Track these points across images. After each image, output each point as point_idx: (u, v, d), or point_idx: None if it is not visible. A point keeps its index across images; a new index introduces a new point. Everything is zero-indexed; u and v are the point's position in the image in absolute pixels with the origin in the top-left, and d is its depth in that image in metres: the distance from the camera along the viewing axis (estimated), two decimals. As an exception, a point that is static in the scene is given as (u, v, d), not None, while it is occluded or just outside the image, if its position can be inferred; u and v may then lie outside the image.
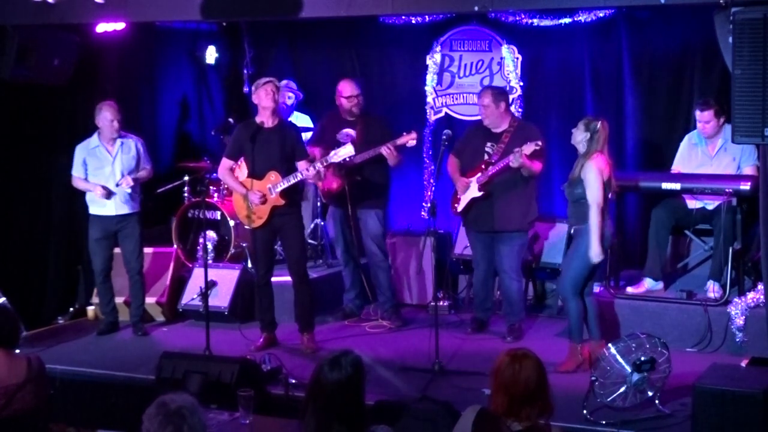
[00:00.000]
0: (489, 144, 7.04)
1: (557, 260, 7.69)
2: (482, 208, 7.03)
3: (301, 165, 6.75)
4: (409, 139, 7.24)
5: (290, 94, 8.55)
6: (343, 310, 7.82)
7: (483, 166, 6.96)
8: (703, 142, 7.05)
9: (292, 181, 6.71)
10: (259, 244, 6.91)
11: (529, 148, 6.71)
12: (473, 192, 7.00)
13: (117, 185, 7.25)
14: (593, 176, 6.05)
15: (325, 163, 6.80)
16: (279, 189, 6.69)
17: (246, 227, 7.15)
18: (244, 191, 6.77)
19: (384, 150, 7.19)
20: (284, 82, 8.60)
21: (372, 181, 7.46)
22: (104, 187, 7.22)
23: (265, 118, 6.75)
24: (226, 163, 6.92)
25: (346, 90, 7.49)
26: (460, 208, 7.11)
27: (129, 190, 7.27)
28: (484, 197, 6.98)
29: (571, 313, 6.28)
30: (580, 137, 6.18)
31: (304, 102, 8.84)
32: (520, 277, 7.21)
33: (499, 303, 7.71)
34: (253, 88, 6.86)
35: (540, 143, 6.74)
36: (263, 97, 6.71)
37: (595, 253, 6.08)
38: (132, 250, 7.44)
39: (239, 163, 7.02)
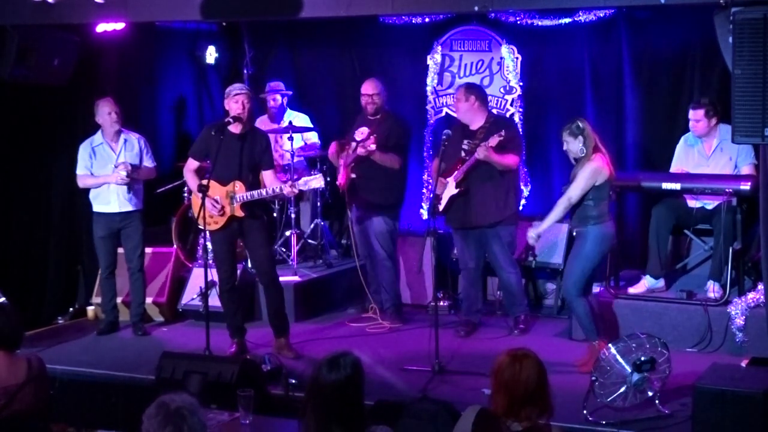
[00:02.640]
0: (466, 141, 7.11)
1: (556, 260, 7.70)
2: (460, 204, 7.10)
3: (268, 175, 6.64)
4: (369, 144, 7.31)
5: (277, 96, 8.56)
6: (363, 303, 7.90)
7: (459, 164, 7.02)
8: (698, 142, 7.05)
9: (257, 197, 6.56)
10: (219, 248, 6.74)
11: (493, 141, 6.79)
12: (451, 190, 7.08)
13: (115, 166, 7.25)
14: (583, 174, 6.09)
15: (296, 189, 6.67)
16: (241, 201, 6.52)
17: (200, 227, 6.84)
18: (201, 196, 6.45)
19: (360, 150, 7.34)
20: (270, 84, 8.62)
21: (375, 182, 7.48)
22: (126, 167, 7.20)
23: (234, 124, 6.56)
24: (191, 163, 6.76)
25: (366, 87, 7.57)
26: (441, 207, 7.15)
27: (124, 173, 7.21)
28: (461, 194, 7.03)
29: (578, 314, 6.30)
30: (575, 146, 6.20)
31: (303, 102, 8.83)
32: (516, 269, 7.25)
33: (498, 303, 7.73)
34: (225, 93, 6.65)
35: (502, 134, 6.78)
36: (233, 106, 6.53)
37: (535, 232, 6.32)
38: (134, 247, 7.45)
39: None
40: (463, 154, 7.07)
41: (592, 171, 6.10)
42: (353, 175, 7.49)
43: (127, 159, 7.34)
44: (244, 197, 6.53)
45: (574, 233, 6.39)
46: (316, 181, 6.70)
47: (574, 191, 6.13)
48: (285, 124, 8.38)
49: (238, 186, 6.55)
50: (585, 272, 6.24)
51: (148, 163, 7.50)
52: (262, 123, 8.53)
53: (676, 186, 6.80)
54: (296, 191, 6.75)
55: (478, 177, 7.01)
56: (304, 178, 6.75)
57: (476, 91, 7.22)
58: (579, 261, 6.24)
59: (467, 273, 7.32)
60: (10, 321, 4.63)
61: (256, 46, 9.20)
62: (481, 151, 6.81)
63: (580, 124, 6.17)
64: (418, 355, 6.51)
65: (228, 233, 6.68)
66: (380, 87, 7.55)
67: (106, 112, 7.27)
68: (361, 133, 7.55)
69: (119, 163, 7.26)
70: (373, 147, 7.27)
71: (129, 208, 7.37)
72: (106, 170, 7.31)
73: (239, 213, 6.57)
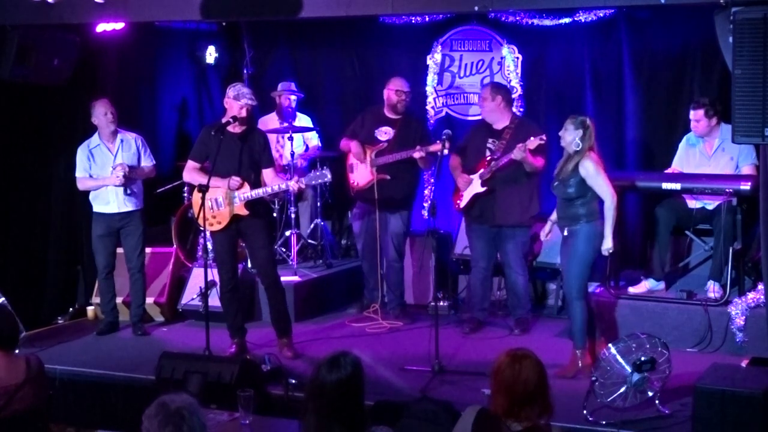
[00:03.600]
0: (491, 141, 7.13)
1: (557, 260, 7.68)
2: (485, 203, 7.11)
3: (268, 174, 6.63)
4: (439, 149, 7.18)
5: (293, 97, 8.58)
6: (361, 302, 7.91)
7: (486, 162, 7.03)
8: (699, 142, 7.05)
9: (262, 194, 6.57)
10: (221, 248, 6.73)
11: (533, 143, 6.81)
12: (476, 188, 7.07)
13: (113, 168, 7.25)
14: (595, 171, 6.05)
15: (302, 185, 6.66)
16: (246, 199, 6.49)
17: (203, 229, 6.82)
18: (201, 196, 6.35)
19: (416, 154, 7.27)
20: (284, 84, 8.62)
21: (401, 182, 7.51)
22: (123, 168, 7.20)
23: (233, 125, 6.53)
24: (191, 164, 6.73)
25: (397, 84, 7.56)
26: (463, 204, 7.16)
27: (121, 174, 7.20)
28: (487, 193, 7.03)
29: (575, 316, 6.21)
30: (571, 137, 6.17)
31: (303, 102, 8.83)
32: (525, 272, 7.28)
33: (499, 303, 7.73)
34: (230, 93, 6.55)
35: (544, 138, 6.83)
36: (238, 110, 6.48)
37: (608, 246, 6.11)
38: (133, 247, 7.45)
39: None
40: (488, 153, 7.08)
41: (595, 166, 6.08)
42: (387, 177, 7.45)
43: (124, 159, 7.33)
44: (250, 195, 6.52)
45: (566, 232, 6.34)
46: (324, 176, 6.69)
47: (604, 188, 6.06)
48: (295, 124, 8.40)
49: (242, 185, 6.55)
50: (583, 272, 6.20)
51: (147, 162, 7.50)
52: (270, 121, 8.54)
53: (676, 186, 6.80)
54: (303, 186, 6.75)
55: (505, 177, 7.02)
56: (311, 173, 6.73)
57: (502, 91, 7.25)
58: (575, 262, 6.18)
59: (477, 271, 7.33)
60: (6, 320, 4.62)
61: (256, 46, 9.20)
62: (519, 152, 6.80)
63: (587, 122, 6.16)
64: (418, 355, 6.51)
65: (230, 234, 6.67)
66: (410, 86, 7.60)
67: (102, 113, 7.27)
68: (385, 132, 7.54)
69: (116, 165, 7.26)
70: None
71: (129, 207, 7.37)
72: (105, 171, 7.31)
73: (243, 212, 6.56)
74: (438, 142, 7.26)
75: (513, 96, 8.24)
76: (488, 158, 7.08)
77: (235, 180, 6.49)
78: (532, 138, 6.83)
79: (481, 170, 7.07)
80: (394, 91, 7.53)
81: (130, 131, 7.48)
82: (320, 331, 7.49)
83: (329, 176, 6.64)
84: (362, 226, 7.77)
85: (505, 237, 7.16)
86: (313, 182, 6.81)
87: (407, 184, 7.59)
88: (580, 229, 6.14)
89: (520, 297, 7.28)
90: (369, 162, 7.49)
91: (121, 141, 7.37)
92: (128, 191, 7.29)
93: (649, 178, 7.12)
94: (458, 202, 7.20)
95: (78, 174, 7.39)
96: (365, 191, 7.57)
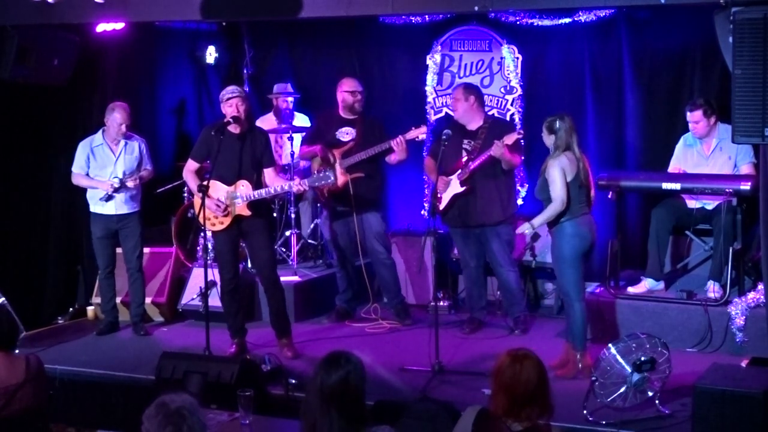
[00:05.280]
0: (466, 141, 7.14)
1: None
2: (465, 203, 7.11)
3: (269, 173, 6.63)
4: (419, 133, 7.31)
5: (290, 99, 8.57)
6: (337, 311, 7.81)
7: (463, 162, 7.01)
8: (697, 142, 7.05)
9: (264, 195, 6.57)
10: (223, 249, 6.73)
11: (510, 138, 6.82)
12: (455, 188, 7.07)
13: (120, 180, 7.25)
14: (554, 173, 6.00)
15: (305, 186, 6.67)
16: (248, 199, 6.49)
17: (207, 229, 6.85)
18: (201, 196, 6.41)
19: (394, 143, 7.24)
20: (279, 86, 8.62)
21: (371, 181, 7.48)
22: (117, 183, 7.21)
23: (233, 125, 6.55)
24: (191, 164, 6.74)
25: (350, 85, 7.54)
26: (442, 206, 7.14)
27: (117, 184, 7.22)
28: (466, 192, 7.03)
29: (575, 318, 6.17)
30: (548, 141, 6.16)
31: (303, 102, 8.84)
32: (514, 267, 7.28)
33: (498, 303, 7.72)
34: (221, 99, 6.64)
35: (521, 132, 6.86)
36: (228, 111, 6.51)
37: (526, 227, 6.19)
38: (132, 248, 7.45)
39: None
40: (464, 153, 7.08)
41: (559, 168, 6.01)
42: (361, 174, 7.43)
43: (126, 162, 7.33)
44: (252, 196, 6.52)
45: (548, 232, 6.32)
46: (327, 178, 6.67)
47: (555, 192, 6.01)
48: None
49: (245, 185, 6.54)
50: (574, 273, 6.13)
51: (147, 166, 7.50)
52: (268, 121, 8.53)
53: (676, 186, 6.79)
54: (305, 188, 6.75)
55: (484, 175, 7.03)
56: (314, 175, 6.72)
57: (475, 92, 7.26)
58: (562, 264, 6.14)
59: (469, 272, 7.34)
60: (5, 320, 4.62)
61: (256, 46, 9.20)
62: (497, 148, 6.80)
63: (557, 125, 6.06)
64: (418, 355, 6.50)
65: (232, 234, 6.67)
66: (361, 85, 7.59)
67: (117, 122, 7.23)
68: (347, 133, 7.51)
69: (126, 179, 7.24)
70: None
71: (126, 210, 7.38)
72: (104, 172, 7.30)
73: (246, 212, 6.56)
74: (414, 128, 7.29)
75: (513, 96, 8.28)
76: (465, 159, 7.07)
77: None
78: (510, 134, 6.85)
79: (458, 171, 7.06)
80: (349, 92, 7.51)
81: (134, 135, 7.46)
82: (320, 331, 7.49)
83: (332, 178, 6.65)
84: (337, 230, 7.64)
85: (489, 236, 7.15)
86: (316, 184, 6.81)
87: (376, 182, 7.56)
88: (561, 228, 6.09)
89: (514, 293, 7.27)
90: (339, 164, 7.41)
91: (125, 144, 7.36)
92: (109, 198, 7.25)
93: (649, 178, 7.12)
94: (438, 204, 7.17)
95: (74, 169, 7.38)
96: (340, 193, 7.45)
